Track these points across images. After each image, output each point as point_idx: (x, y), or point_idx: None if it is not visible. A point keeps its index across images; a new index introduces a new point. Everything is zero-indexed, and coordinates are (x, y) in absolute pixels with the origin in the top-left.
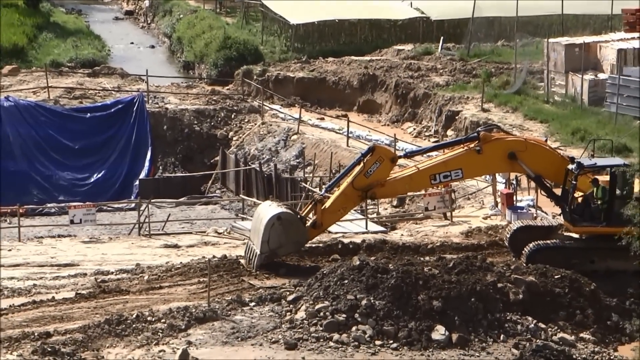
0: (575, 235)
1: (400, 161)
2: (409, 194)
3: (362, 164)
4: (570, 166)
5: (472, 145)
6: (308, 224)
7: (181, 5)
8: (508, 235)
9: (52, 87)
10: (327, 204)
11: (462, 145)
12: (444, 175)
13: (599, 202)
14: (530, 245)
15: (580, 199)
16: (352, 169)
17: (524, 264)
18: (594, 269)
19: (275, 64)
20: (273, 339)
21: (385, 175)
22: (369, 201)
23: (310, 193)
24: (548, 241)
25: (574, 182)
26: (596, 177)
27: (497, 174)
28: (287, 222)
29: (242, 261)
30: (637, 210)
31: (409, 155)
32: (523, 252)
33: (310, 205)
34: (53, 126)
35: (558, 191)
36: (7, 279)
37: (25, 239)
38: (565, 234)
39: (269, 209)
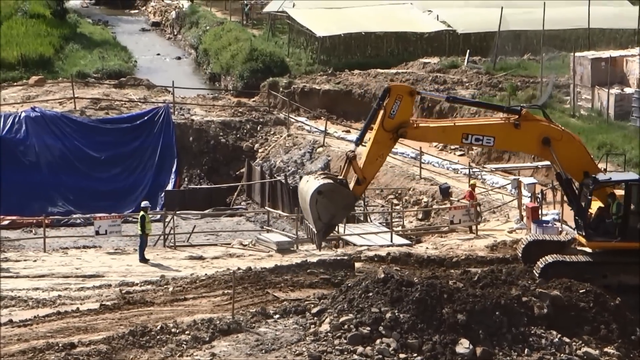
0: (588, 250)
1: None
2: (434, 207)
3: (382, 109)
4: (587, 180)
5: (512, 119)
6: (351, 184)
7: (208, 17)
8: (521, 249)
9: (78, 98)
10: (363, 156)
11: (502, 114)
12: (476, 138)
13: (614, 217)
14: (543, 259)
15: (594, 214)
16: (375, 117)
17: (537, 278)
18: (606, 284)
19: (301, 76)
20: (297, 352)
21: (409, 110)
22: (394, 214)
23: None
24: (561, 256)
25: (590, 197)
26: (613, 191)
27: (522, 187)
28: (329, 192)
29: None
30: None
31: (451, 100)
32: (536, 266)
33: (346, 165)
34: (79, 137)
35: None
36: (32, 289)
37: (51, 249)
38: (578, 248)
39: (307, 185)
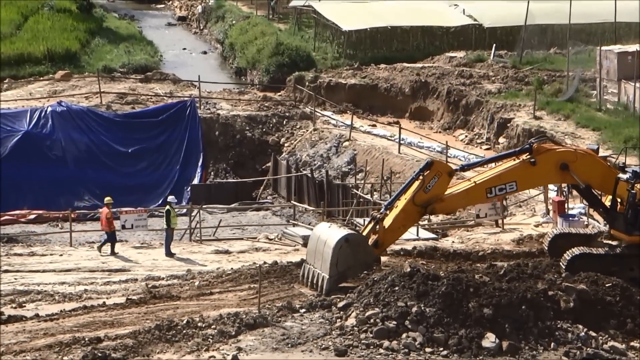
0: (614, 243)
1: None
2: None
3: (420, 180)
4: (624, 176)
5: (525, 157)
6: (369, 243)
7: (234, 11)
8: (547, 243)
9: (105, 93)
10: (387, 222)
11: (514, 158)
12: (499, 189)
13: None
14: (570, 252)
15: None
16: (410, 185)
17: (563, 270)
18: (633, 277)
19: (327, 70)
20: (323, 346)
21: (443, 190)
22: None
23: (361, 199)
24: (588, 249)
25: (633, 192)
26: None
27: None
28: (355, 244)
29: (297, 286)
30: None
31: (465, 168)
32: (562, 258)
33: (371, 225)
34: (105, 131)
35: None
36: (59, 283)
37: (77, 244)
38: (605, 241)
39: (331, 231)
